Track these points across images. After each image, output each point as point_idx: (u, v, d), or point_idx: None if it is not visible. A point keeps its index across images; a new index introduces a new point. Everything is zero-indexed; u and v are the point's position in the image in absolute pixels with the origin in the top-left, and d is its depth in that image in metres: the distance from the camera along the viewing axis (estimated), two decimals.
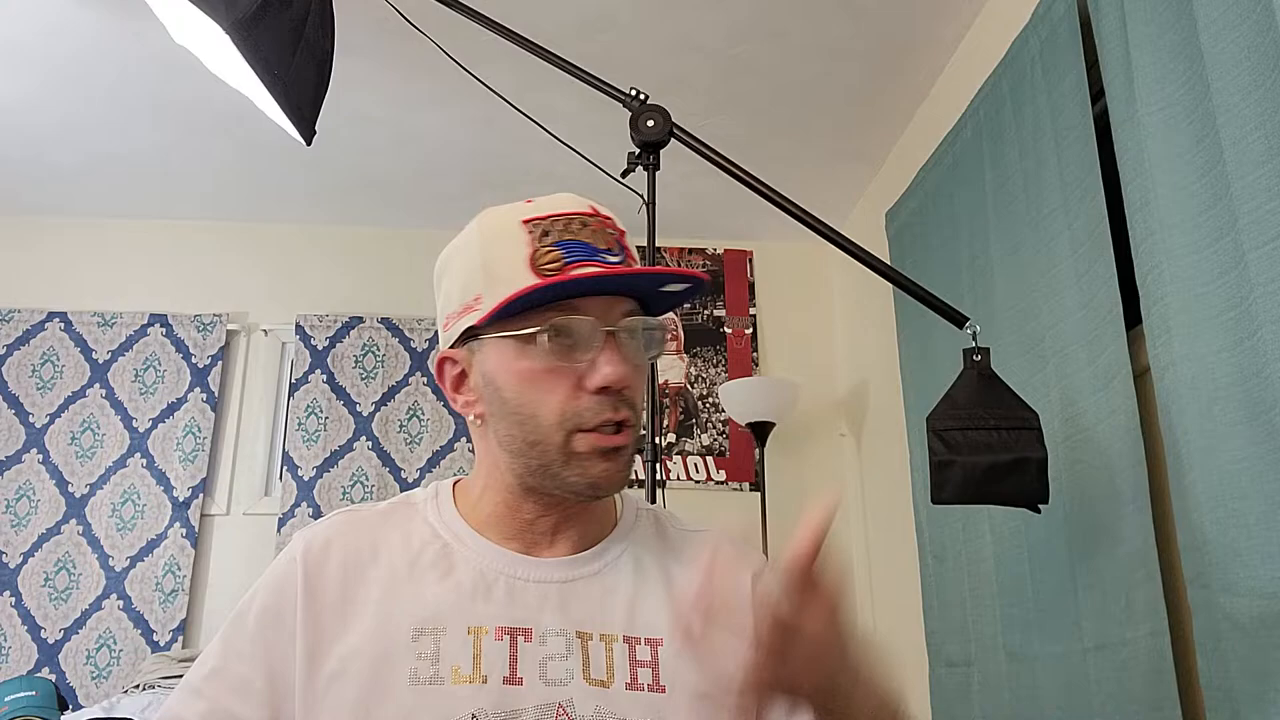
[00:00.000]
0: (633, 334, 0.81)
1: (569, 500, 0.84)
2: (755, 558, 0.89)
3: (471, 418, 0.86)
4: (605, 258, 0.81)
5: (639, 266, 0.85)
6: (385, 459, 3.08)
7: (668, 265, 0.81)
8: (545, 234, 0.81)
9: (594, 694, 0.79)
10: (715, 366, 3.29)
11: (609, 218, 0.85)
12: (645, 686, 0.81)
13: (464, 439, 3.11)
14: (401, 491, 0.99)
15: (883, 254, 2.52)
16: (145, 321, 3.16)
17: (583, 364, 0.80)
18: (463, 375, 0.86)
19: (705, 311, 3.35)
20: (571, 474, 0.81)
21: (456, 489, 0.92)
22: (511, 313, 0.79)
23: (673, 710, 0.80)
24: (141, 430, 3.06)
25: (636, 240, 1.50)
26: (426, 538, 0.87)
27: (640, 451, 3.64)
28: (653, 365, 1.56)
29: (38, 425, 3.04)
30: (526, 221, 0.82)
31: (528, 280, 0.79)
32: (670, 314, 0.87)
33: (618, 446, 0.81)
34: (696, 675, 0.82)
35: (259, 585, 0.85)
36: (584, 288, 0.79)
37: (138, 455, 3.03)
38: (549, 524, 0.86)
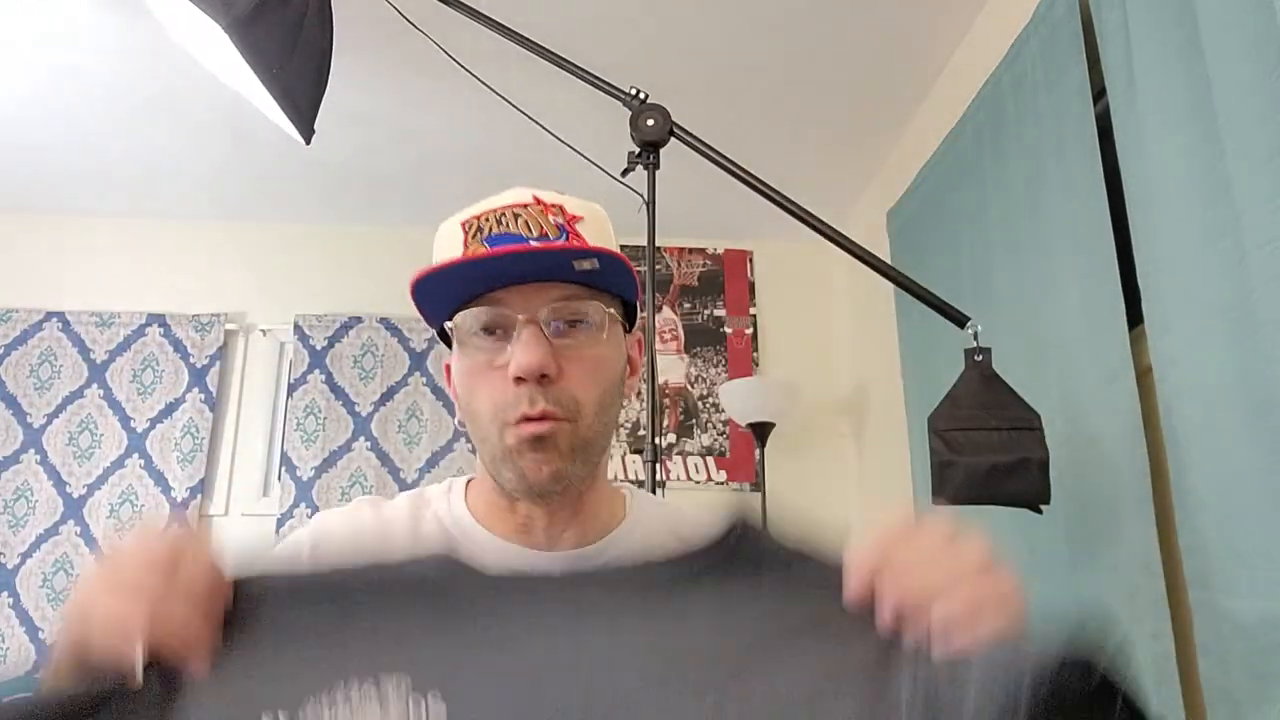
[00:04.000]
0: (555, 320, 0.80)
1: (533, 498, 0.83)
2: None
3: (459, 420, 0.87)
4: (533, 244, 0.79)
5: (546, 244, 0.80)
6: (384, 459, 3.08)
7: (613, 259, 0.78)
8: (478, 231, 0.81)
9: None
10: (715, 366, 3.28)
11: (556, 205, 0.83)
12: None
13: (463, 439, 3.10)
14: (401, 492, 1.00)
15: (883, 253, 2.52)
16: (143, 321, 3.16)
17: (508, 356, 0.79)
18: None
19: (705, 311, 3.34)
20: (509, 470, 0.80)
21: (469, 485, 0.92)
22: (451, 313, 0.80)
23: None
24: (139, 430, 3.05)
25: (636, 240, 1.49)
26: (434, 533, 0.87)
27: (640, 452, 3.61)
28: (651, 365, 1.55)
29: (35, 425, 3.03)
30: (464, 222, 0.83)
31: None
32: (597, 299, 0.84)
33: (540, 435, 0.78)
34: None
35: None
36: (456, 273, 0.78)
37: (136, 455, 3.02)
38: (544, 523, 0.85)
